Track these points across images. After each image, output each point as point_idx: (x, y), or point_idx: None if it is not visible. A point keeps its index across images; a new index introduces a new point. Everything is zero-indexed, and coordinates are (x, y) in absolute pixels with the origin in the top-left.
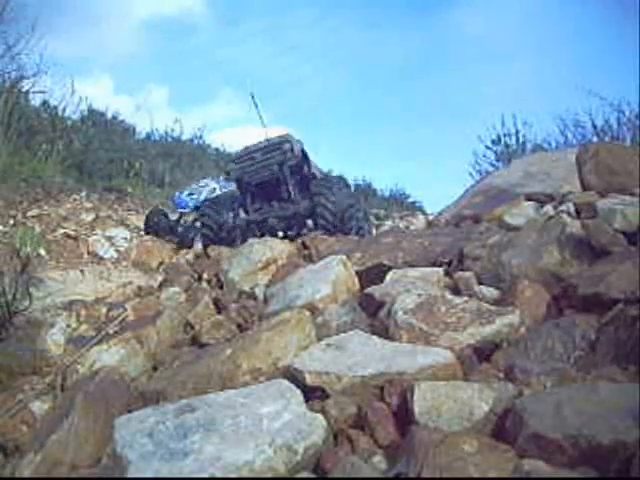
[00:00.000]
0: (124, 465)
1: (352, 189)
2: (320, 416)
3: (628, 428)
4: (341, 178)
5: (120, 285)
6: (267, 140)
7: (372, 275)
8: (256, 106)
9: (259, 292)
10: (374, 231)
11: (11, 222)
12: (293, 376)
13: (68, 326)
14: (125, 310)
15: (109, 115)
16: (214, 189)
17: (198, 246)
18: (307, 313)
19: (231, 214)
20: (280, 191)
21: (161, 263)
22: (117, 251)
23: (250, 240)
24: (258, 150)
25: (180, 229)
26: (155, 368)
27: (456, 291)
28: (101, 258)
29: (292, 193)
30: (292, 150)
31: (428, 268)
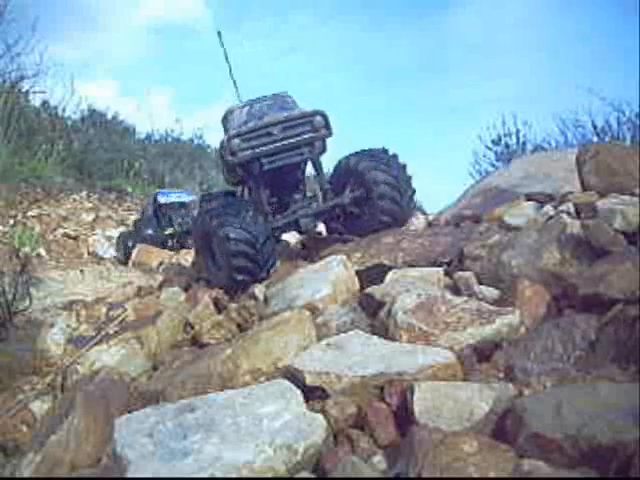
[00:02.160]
0: (124, 465)
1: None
2: (320, 416)
3: (628, 428)
4: (384, 150)
5: (120, 285)
6: (288, 109)
7: (372, 275)
8: (222, 45)
9: (259, 292)
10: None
11: (11, 222)
12: (293, 376)
13: (68, 326)
14: (125, 310)
15: (109, 115)
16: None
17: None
18: (307, 313)
19: (251, 222)
20: (301, 180)
21: (161, 263)
22: None
23: None
24: (277, 123)
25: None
26: (155, 368)
27: (456, 291)
28: (101, 258)
29: (322, 182)
30: (327, 127)
31: (428, 268)
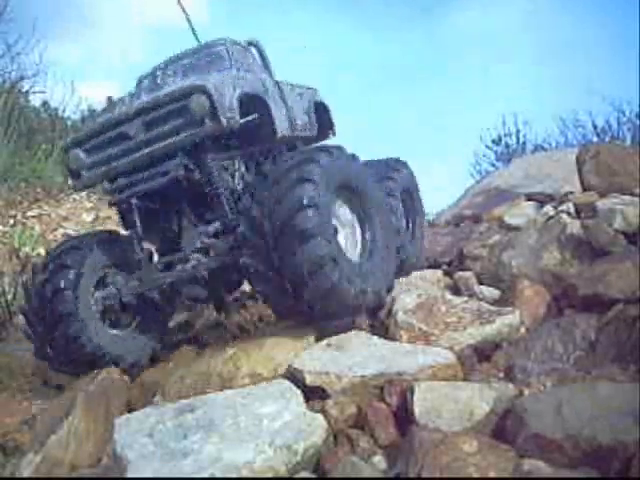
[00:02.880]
0: (124, 465)
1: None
2: (320, 416)
3: (628, 428)
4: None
5: None
6: (148, 88)
7: None
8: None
9: None
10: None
11: (11, 222)
12: (293, 376)
13: None
14: None
15: None
16: None
17: None
18: None
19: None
20: (203, 203)
21: None
22: None
23: None
24: (132, 117)
25: None
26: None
27: (456, 291)
28: None
29: (224, 217)
30: (214, 115)
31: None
